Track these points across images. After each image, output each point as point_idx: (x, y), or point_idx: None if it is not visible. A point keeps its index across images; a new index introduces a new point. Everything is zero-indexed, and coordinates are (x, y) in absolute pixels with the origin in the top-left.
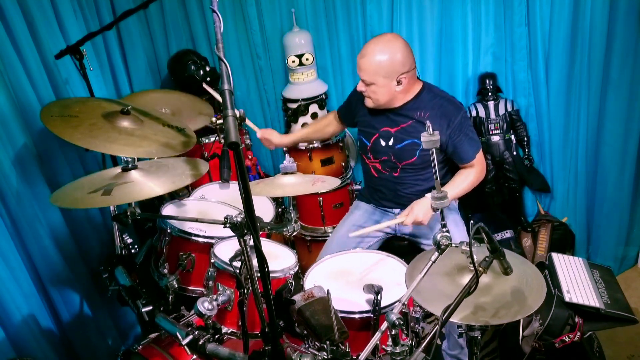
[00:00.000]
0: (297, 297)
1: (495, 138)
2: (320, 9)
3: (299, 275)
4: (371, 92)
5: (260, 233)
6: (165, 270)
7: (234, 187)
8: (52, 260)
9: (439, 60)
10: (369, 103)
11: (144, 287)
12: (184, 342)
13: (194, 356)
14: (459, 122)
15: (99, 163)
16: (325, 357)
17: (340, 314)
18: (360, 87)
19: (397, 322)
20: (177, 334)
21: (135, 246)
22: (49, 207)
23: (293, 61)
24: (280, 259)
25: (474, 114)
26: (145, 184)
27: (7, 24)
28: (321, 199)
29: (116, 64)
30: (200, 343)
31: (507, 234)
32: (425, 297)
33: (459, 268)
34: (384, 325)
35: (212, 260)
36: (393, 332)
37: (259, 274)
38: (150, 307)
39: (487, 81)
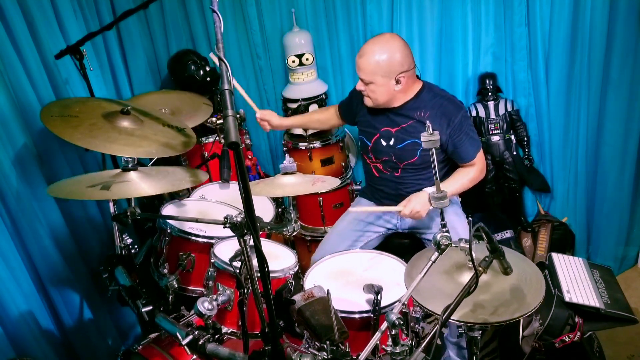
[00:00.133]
0: (297, 297)
1: (495, 138)
2: (320, 9)
3: (299, 275)
4: (370, 91)
5: (260, 233)
6: (165, 270)
7: (234, 187)
8: (52, 260)
9: (439, 60)
10: (368, 102)
11: (144, 287)
12: (184, 342)
13: (194, 356)
14: (459, 121)
15: (99, 163)
16: (325, 357)
17: (340, 314)
18: (360, 86)
19: (397, 322)
20: (177, 334)
21: (135, 246)
22: (49, 207)
23: (293, 61)
24: (280, 259)
25: (474, 114)
26: (144, 183)
27: (7, 24)
28: (321, 199)
29: (116, 64)
30: (200, 343)
31: (507, 234)
32: (424, 295)
33: (458, 266)
34: (384, 325)
35: (212, 260)
36: (393, 332)
37: (259, 274)
38: (150, 307)
39: (487, 81)
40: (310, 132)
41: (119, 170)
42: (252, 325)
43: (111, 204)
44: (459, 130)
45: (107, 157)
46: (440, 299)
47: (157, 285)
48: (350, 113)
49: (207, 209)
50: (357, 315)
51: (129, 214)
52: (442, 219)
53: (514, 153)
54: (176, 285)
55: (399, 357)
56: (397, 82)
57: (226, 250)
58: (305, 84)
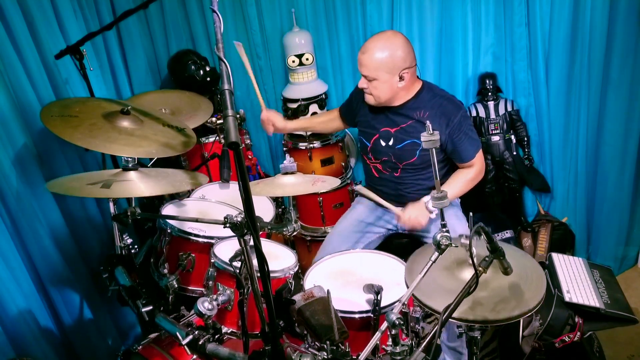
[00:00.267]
0: (297, 297)
1: (495, 138)
2: (320, 9)
3: (299, 275)
4: (373, 88)
5: (260, 233)
6: (165, 270)
7: (234, 187)
8: (52, 260)
9: (439, 60)
10: (370, 100)
11: (144, 287)
12: (184, 342)
13: (194, 356)
14: (459, 121)
15: (99, 163)
16: (325, 357)
17: (340, 314)
18: (362, 83)
19: (397, 322)
20: (177, 334)
21: (135, 246)
22: (49, 207)
23: (293, 61)
24: (280, 259)
25: (474, 114)
26: (145, 183)
27: (7, 24)
28: (321, 199)
29: (116, 64)
30: (200, 343)
31: (507, 234)
32: (425, 292)
33: (459, 262)
34: (384, 325)
35: (212, 260)
36: (393, 332)
37: (259, 274)
38: (150, 307)
39: (487, 81)
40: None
41: (119, 169)
42: (252, 325)
43: (111, 204)
44: (458, 130)
45: (107, 157)
46: (440, 295)
47: (157, 285)
48: (350, 113)
49: (207, 209)
50: (357, 315)
51: (129, 213)
52: (442, 219)
53: (514, 153)
54: (176, 285)
55: (399, 357)
56: (401, 78)
57: (226, 250)
58: (305, 84)
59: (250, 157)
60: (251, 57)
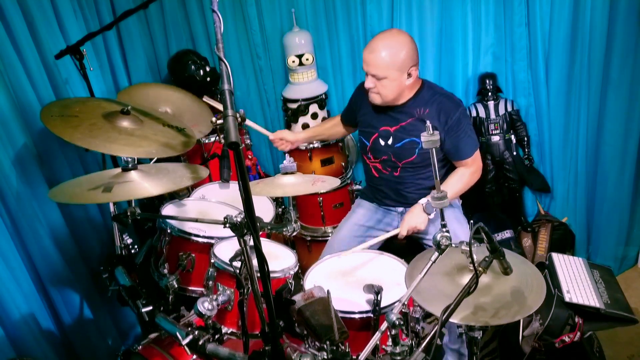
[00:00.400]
0: (297, 297)
1: (495, 138)
2: (320, 9)
3: (299, 275)
4: (382, 87)
5: (260, 233)
6: (165, 270)
7: (234, 187)
8: (52, 260)
9: (439, 60)
10: (376, 99)
11: (144, 287)
12: (184, 342)
13: (194, 356)
14: (457, 118)
15: (99, 163)
16: (325, 357)
17: (340, 314)
18: (369, 83)
19: (397, 322)
20: (177, 334)
21: (135, 246)
22: (49, 207)
23: (293, 61)
24: (280, 259)
25: (474, 114)
26: (145, 183)
27: (7, 24)
28: (321, 199)
29: (116, 64)
30: (200, 343)
31: (507, 234)
32: (425, 296)
33: (459, 268)
34: (384, 325)
35: (212, 260)
36: (393, 332)
37: (259, 274)
38: (150, 307)
39: (487, 81)
40: None
41: (119, 170)
42: (252, 325)
43: (111, 204)
44: (456, 127)
45: (107, 157)
46: (441, 300)
47: (157, 285)
48: (351, 115)
49: (207, 209)
50: (357, 316)
51: (129, 214)
52: (442, 219)
53: (514, 153)
54: (176, 285)
55: (399, 357)
56: (409, 75)
57: (226, 250)
58: (305, 84)
59: (250, 157)
60: (251, 57)
